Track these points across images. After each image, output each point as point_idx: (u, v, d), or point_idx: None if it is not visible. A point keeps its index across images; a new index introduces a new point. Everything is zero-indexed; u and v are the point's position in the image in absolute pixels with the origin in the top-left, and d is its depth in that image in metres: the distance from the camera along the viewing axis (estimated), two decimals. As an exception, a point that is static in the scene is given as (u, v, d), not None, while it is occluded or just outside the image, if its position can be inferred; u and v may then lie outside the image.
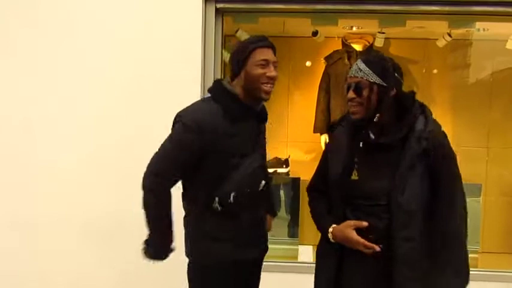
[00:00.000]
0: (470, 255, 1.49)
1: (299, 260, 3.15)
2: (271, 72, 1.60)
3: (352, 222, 1.50)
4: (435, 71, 3.91)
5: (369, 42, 3.44)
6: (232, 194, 1.58)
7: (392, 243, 1.44)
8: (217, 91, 1.66)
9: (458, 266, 1.46)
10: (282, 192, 3.83)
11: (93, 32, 2.61)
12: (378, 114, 1.48)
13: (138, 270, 2.36)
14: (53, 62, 2.61)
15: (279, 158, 3.50)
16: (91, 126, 2.62)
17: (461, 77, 3.98)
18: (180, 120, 1.60)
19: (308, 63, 3.91)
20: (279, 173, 3.45)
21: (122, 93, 2.60)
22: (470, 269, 1.49)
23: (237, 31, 3.20)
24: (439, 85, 3.93)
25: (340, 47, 3.53)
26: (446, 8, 2.66)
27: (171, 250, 1.67)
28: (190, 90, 2.47)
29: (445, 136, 1.51)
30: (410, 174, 1.44)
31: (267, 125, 1.83)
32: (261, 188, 1.67)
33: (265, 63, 1.59)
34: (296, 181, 3.46)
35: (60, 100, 2.62)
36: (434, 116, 1.54)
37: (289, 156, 3.54)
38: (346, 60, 3.38)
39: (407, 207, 1.43)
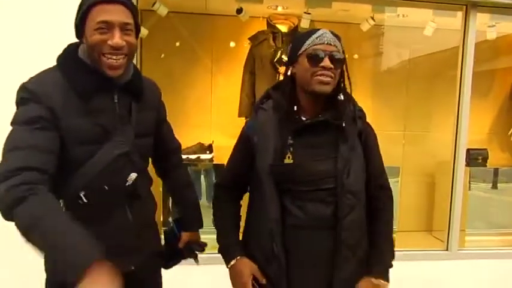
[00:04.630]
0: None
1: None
2: (113, 39, 1.17)
3: (252, 272, 1.39)
4: (356, 56, 3.95)
5: (294, 24, 3.35)
6: (81, 193, 1.21)
7: (338, 226, 1.35)
8: (64, 58, 1.25)
9: (391, 239, 1.50)
10: (203, 179, 3.67)
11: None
12: (341, 93, 1.39)
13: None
14: None
15: (202, 144, 3.32)
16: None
17: (380, 62, 4.09)
18: (16, 100, 1.19)
19: (232, 44, 3.74)
20: (202, 160, 3.27)
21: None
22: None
23: (153, 4, 2.92)
24: (359, 70, 3.99)
25: (265, 28, 3.41)
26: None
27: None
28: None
29: None
30: (353, 155, 1.37)
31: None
32: (129, 182, 1.29)
33: (106, 27, 1.17)
34: (220, 167, 3.30)
35: None
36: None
37: (212, 142, 3.37)
38: (271, 41, 3.27)
39: (354, 188, 1.37)
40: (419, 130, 3.94)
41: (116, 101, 1.27)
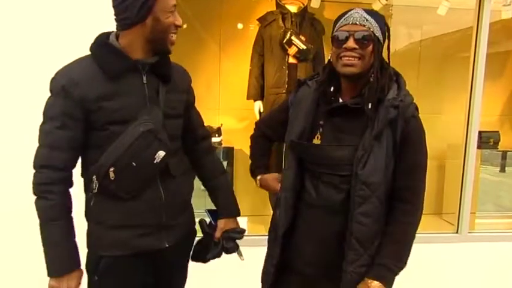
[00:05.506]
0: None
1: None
2: (179, 20, 1.35)
3: (278, 177, 1.56)
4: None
5: (303, 4, 3.29)
6: (111, 169, 1.27)
7: (349, 217, 1.32)
8: (95, 46, 1.34)
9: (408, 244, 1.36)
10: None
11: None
12: (373, 74, 1.32)
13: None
14: None
15: (211, 127, 3.29)
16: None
17: (391, 43, 4.00)
18: (49, 88, 1.31)
19: (240, 25, 3.68)
20: (211, 143, 3.26)
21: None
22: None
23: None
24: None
25: (274, 8, 3.34)
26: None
27: (75, 266, 1.36)
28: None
29: (417, 108, 1.38)
30: (376, 144, 1.30)
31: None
32: (157, 160, 1.33)
33: (174, 10, 1.33)
34: (229, 150, 3.30)
35: None
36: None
37: (221, 125, 3.36)
38: (281, 22, 3.20)
39: (369, 180, 1.29)
40: (429, 112, 3.89)
41: (144, 82, 1.35)
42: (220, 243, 1.55)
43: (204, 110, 3.84)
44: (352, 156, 1.31)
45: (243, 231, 1.59)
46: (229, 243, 1.56)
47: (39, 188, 1.31)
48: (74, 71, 1.29)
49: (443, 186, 3.78)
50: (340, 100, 1.39)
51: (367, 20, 1.30)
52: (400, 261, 1.33)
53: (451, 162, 3.68)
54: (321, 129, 1.38)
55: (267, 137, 1.67)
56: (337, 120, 1.38)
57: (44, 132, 1.30)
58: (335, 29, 1.35)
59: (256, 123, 1.74)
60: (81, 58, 1.34)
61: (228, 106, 3.68)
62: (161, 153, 1.34)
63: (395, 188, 1.35)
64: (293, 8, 3.25)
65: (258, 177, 1.65)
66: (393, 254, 1.33)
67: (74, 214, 1.37)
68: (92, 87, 1.27)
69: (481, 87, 2.92)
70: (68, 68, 1.31)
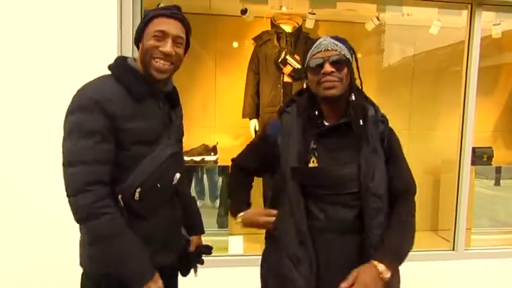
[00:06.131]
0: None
1: (229, 253, 3.02)
2: (165, 47, 1.34)
3: (262, 211, 1.51)
4: (359, 55, 3.94)
5: (298, 24, 3.34)
6: (137, 190, 1.31)
7: (365, 231, 1.35)
8: (118, 68, 1.38)
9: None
10: (206, 180, 3.67)
11: None
12: (353, 94, 1.39)
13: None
14: None
15: (207, 145, 3.30)
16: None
17: (384, 61, 4.07)
18: (74, 105, 1.28)
19: (236, 44, 3.73)
20: (206, 161, 3.26)
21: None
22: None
23: (158, 5, 2.90)
24: (363, 69, 3.96)
25: (269, 28, 3.39)
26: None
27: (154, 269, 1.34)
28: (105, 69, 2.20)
29: None
30: (375, 158, 1.37)
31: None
32: (175, 181, 1.42)
33: (161, 36, 1.34)
34: (225, 169, 3.30)
35: None
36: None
37: (217, 143, 3.36)
38: (276, 41, 3.25)
39: (379, 192, 1.36)
40: (424, 129, 3.93)
41: (160, 107, 1.42)
42: (192, 258, 1.62)
43: (199, 128, 3.86)
44: (355, 172, 1.36)
45: (211, 247, 1.66)
46: (198, 259, 1.63)
47: (93, 206, 1.24)
48: (104, 88, 1.31)
49: (438, 202, 3.80)
50: (326, 123, 1.43)
51: (336, 44, 1.38)
52: (406, 246, 1.38)
53: (445, 177, 3.69)
54: (315, 153, 1.41)
55: (244, 169, 1.61)
56: (328, 141, 1.41)
57: (83, 149, 1.25)
58: (308, 58, 1.40)
59: (237, 159, 1.66)
60: (102, 77, 1.36)
61: (223, 124, 3.69)
62: (177, 175, 1.43)
63: (397, 190, 1.42)
64: (288, 28, 3.30)
65: (240, 215, 1.54)
66: (398, 239, 1.38)
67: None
68: (122, 107, 1.30)
69: (473, 105, 2.95)
70: (95, 85, 1.33)
